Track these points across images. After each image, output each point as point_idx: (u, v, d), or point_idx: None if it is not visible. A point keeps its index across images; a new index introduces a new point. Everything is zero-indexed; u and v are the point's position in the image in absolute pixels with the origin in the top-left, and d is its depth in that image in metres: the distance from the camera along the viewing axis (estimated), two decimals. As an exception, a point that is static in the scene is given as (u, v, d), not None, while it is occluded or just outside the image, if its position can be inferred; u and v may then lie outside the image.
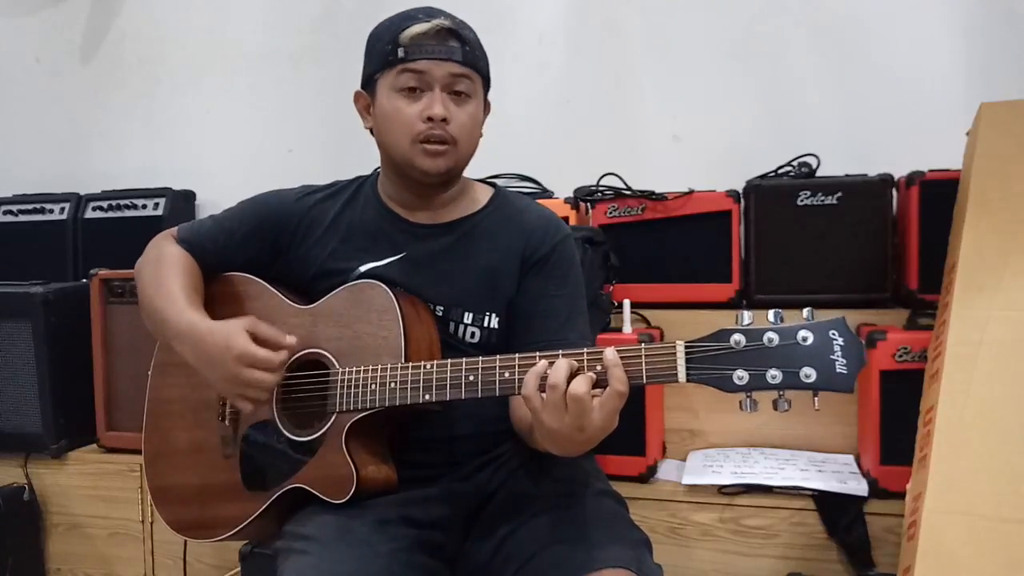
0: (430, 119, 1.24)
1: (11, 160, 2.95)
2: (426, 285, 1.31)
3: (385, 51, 1.26)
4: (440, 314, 1.31)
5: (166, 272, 1.34)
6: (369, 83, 1.31)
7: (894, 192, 1.91)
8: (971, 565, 1.22)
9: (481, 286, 1.32)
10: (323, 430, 1.23)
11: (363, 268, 1.32)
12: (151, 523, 2.08)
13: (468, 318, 1.31)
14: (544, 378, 1.03)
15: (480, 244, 1.34)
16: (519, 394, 1.09)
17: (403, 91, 1.25)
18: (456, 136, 1.26)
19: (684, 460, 1.90)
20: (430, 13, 1.27)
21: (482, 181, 1.45)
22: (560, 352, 1.08)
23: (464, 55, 1.26)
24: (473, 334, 1.31)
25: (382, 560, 1.14)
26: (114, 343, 2.11)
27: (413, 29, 1.24)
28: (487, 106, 1.36)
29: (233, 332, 1.19)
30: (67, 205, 2.59)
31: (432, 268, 1.32)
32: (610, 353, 1.02)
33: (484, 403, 1.17)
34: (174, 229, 1.42)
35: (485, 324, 1.31)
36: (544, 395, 1.03)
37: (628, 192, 2.02)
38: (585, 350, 1.06)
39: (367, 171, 1.44)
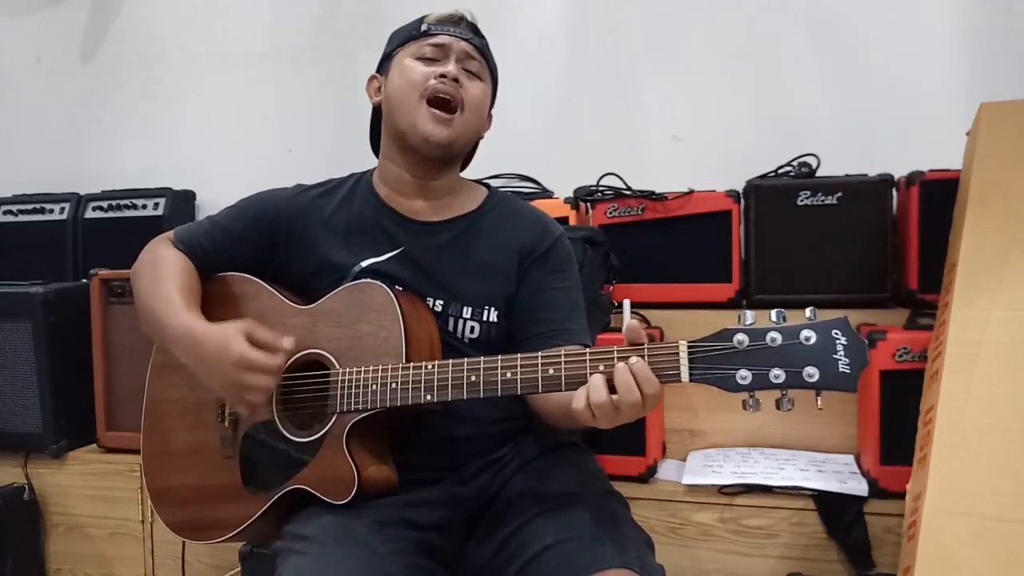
0: (442, 76, 1.29)
1: (11, 160, 2.95)
2: (425, 280, 1.32)
3: (409, 29, 1.36)
4: (439, 309, 1.31)
5: (162, 275, 1.33)
6: (386, 61, 1.38)
7: (894, 192, 1.91)
8: (971, 565, 1.22)
9: (480, 281, 1.33)
10: (324, 431, 1.22)
11: (363, 264, 1.32)
12: (151, 523, 2.07)
13: (467, 312, 1.31)
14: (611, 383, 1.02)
15: (478, 241, 1.35)
16: (520, 394, 1.09)
17: (420, 58, 1.32)
18: (465, 103, 1.31)
19: (684, 460, 1.90)
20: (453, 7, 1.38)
21: (476, 182, 1.46)
22: (562, 351, 1.09)
23: (480, 44, 1.36)
24: (472, 328, 1.31)
25: (381, 561, 1.14)
26: (114, 343, 2.11)
27: (439, 12, 1.36)
28: (489, 117, 1.41)
29: (230, 336, 1.17)
30: (67, 205, 2.59)
31: (431, 263, 1.33)
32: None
33: (484, 405, 1.16)
34: (170, 233, 1.42)
35: (484, 318, 1.32)
36: (616, 397, 1.02)
37: (628, 192, 2.02)
38: (588, 351, 1.07)
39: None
